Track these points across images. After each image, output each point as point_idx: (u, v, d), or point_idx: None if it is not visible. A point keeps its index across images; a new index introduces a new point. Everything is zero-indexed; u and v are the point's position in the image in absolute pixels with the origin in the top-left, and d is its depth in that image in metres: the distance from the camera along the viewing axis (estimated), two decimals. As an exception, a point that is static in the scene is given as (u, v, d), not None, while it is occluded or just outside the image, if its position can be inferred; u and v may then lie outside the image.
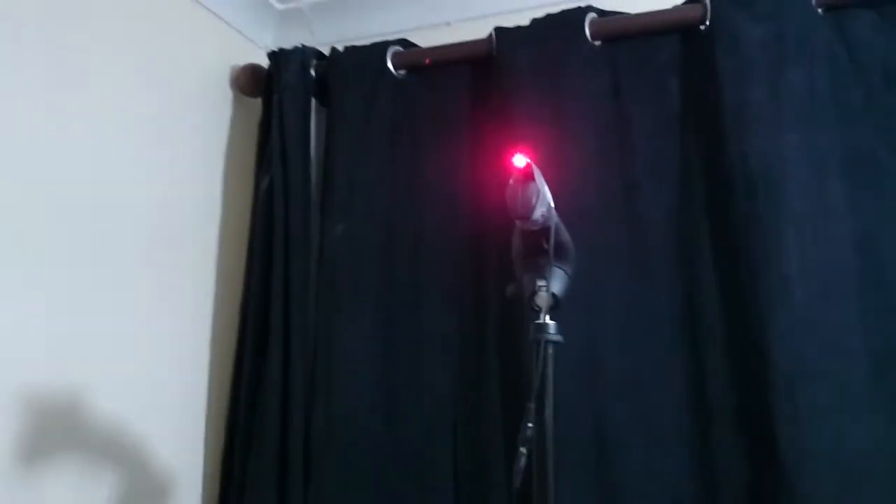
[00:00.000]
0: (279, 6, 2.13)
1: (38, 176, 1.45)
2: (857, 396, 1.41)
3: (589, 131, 1.67)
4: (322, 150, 1.91)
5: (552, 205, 0.95)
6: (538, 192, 0.89)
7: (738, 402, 1.48)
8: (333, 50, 1.95)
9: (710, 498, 1.48)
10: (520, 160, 0.88)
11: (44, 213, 1.46)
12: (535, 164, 0.90)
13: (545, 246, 0.94)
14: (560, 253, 0.98)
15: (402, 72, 1.89)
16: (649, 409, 1.53)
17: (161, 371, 1.74)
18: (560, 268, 0.98)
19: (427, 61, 1.78)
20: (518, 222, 0.92)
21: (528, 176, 0.89)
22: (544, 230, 0.95)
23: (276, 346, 1.75)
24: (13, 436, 1.37)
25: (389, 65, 1.87)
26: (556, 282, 0.97)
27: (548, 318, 0.97)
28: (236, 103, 2.05)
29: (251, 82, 2.01)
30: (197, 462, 1.86)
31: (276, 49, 1.97)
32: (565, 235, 1.00)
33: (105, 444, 1.58)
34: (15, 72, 1.42)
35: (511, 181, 0.90)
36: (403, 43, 1.92)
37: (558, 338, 0.97)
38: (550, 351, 0.95)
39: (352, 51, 1.91)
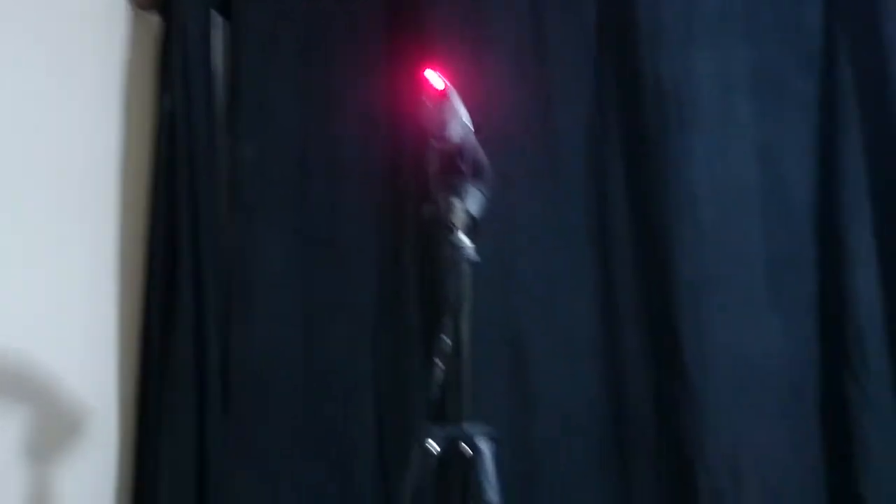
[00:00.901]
0: None
1: None
2: (755, 301, 1.50)
3: (506, 45, 1.65)
4: (227, 67, 1.81)
5: (468, 124, 0.94)
6: (453, 110, 0.88)
7: (646, 311, 1.55)
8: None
9: (620, 400, 1.56)
10: (434, 77, 0.86)
11: None
12: (450, 81, 0.88)
13: (461, 165, 0.93)
14: (476, 173, 0.98)
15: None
16: (562, 318, 1.59)
17: (66, 305, 1.66)
18: (477, 187, 0.98)
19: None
20: (433, 141, 0.91)
21: (442, 94, 0.87)
22: (460, 149, 0.94)
23: (185, 273, 1.70)
24: None
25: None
26: (472, 201, 0.97)
27: (463, 236, 0.98)
28: (135, 20, 1.90)
29: (151, -2, 1.87)
30: (110, 395, 1.80)
31: (174, -42, 1.82)
32: (481, 155, 1.00)
33: (11, 381, 1.52)
34: None
35: (426, 99, 0.88)
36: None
37: (474, 255, 0.97)
38: (466, 268, 0.96)
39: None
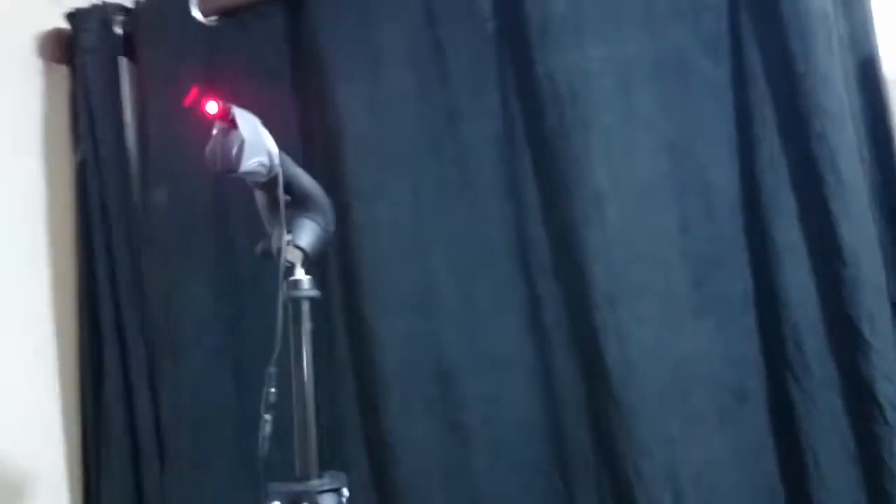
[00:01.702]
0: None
1: None
2: (678, 305, 1.41)
3: (405, 62, 1.58)
4: (135, 111, 1.78)
5: (274, 151, 0.87)
6: (241, 140, 0.80)
7: (570, 323, 1.47)
8: (137, 2, 1.80)
9: (552, 418, 1.48)
10: (212, 107, 0.79)
11: None
12: (244, 105, 0.81)
13: (276, 198, 0.86)
14: (303, 202, 0.90)
15: (212, 18, 1.76)
16: (489, 337, 1.51)
17: (5, 372, 1.63)
18: (308, 218, 0.91)
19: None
20: (228, 176, 0.84)
21: (228, 123, 0.80)
22: (273, 180, 0.87)
23: (108, 330, 1.67)
24: None
25: (195, 12, 1.73)
26: (303, 234, 0.90)
27: (300, 272, 0.90)
28: (48, 73, 1.89)
29: (56, 49, 1.86)
30: (58, 458, 1.78)
31: (73, 10, 1.81)
32: (306, 181, 0.93)
33: None
34: None
35: (213, 132, 0.82)
36: (211, -13, 1.77)
37: (314, 292, 0.90)
38: (306, 308, 0.89)
39: (152, 1, 1.76)
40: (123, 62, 1.81)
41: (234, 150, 0.81)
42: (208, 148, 0.84)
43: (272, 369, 0.84)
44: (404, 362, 1.53)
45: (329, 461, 1.51)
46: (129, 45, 1.80)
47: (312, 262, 0.94)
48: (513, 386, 1.49)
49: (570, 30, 1.43)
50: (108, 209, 1.68)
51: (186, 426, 1.66)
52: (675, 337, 1.39)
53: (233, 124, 0.82)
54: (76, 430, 1.79)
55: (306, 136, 1.65)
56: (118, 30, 1.79)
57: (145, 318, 1.71)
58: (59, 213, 1.84)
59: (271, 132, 1.61)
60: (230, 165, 0.81)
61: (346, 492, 0.92)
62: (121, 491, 1.66)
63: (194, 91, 0.81)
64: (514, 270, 1.51)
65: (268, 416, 0.84)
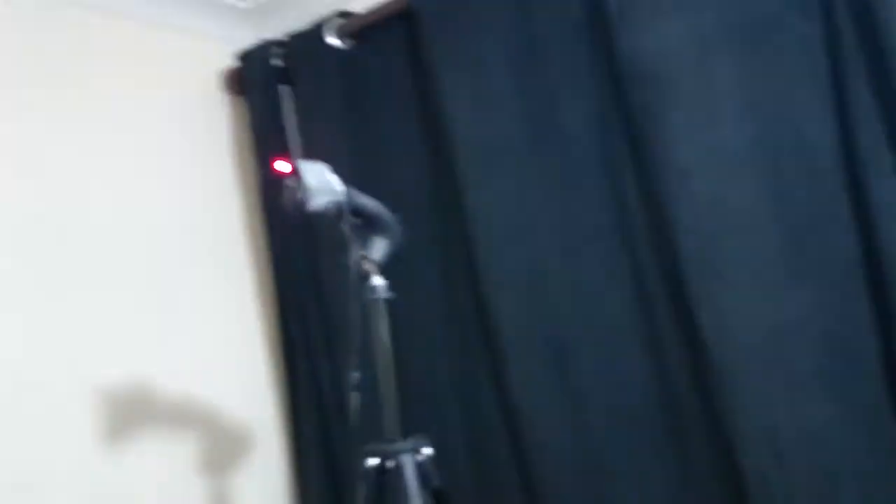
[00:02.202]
0: (243, 4, 2.30)
1: (105, 220, 1.82)
2: (773, 271, 1.42)
3: (504, 60, 1.72)
4: (298, 128, 2.11)
5: (339, 189, 1.10)
6: (306, 188, 1.04)
7: (669, 294, 1.53)
8: (290, 36, 2.12)
9: (660, 382, 1.57)
10: (282, 166, 1.03)
11: (105, 245, 1.81)
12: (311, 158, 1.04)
13: (345, 225, 1.09)
14: (372, 223, 1.13)
15: (346, 42, 2.02)
16: (597, 309, 1.63)
17: (220, 349, 2.06)
18: (377, 235, 1.13)
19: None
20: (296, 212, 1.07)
21: (294, 175, 1.04)
22: (338, 213, 1.10)
23: (294, 318, 2.04)
24: (101, 423, 1.73)
25: (329, 38, 2.01)
26: (375, 248, 1.13)
27: (375, 278, 1.13)
28: (232, 104, 2.29)
29: (234, 83, 2.25)
30: (268, 418, 2.20)
31: (242, 50, 2.17)
32: (373, 206, 1.14)
33: (182, 414, 1.95)
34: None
35: (282, 184, 1.06)
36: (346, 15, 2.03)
37: (388, 294, 1.13)
38: (382, 307, 1.12)
39: (298, 35, 2.07)
40: (286, 90, 2.13)
41: (302, 196, 1.04)
42: (284, 197, 1.08)
43: (354, 355, 1.08)
44: (522, 336, 1.68)
45: (468, 427, 1.77)
46: (287, 75, 2.12)
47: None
48: (623, 353, 1.60)
49: (648, 9, 1.47)
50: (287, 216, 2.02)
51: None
52: (771, 303, 1.42)
53: (299, 176, 1.05)
54: (281, 399, 2.21)
55: (426, 136, 1.85)
56: (277, 62, 2.12)
57: (323, 308, 2.02)
58: (252, 218, 2.24)
59: (395, 135, 1.88)
60: (301, 207, 1.05)
61: (427, 451, 1.14)
62: (312, 442, 2.02)
63: (273, 160, 1.05)
64: (616, 245, 1.60)
65: (354, 394, 1.08)
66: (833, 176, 1.39)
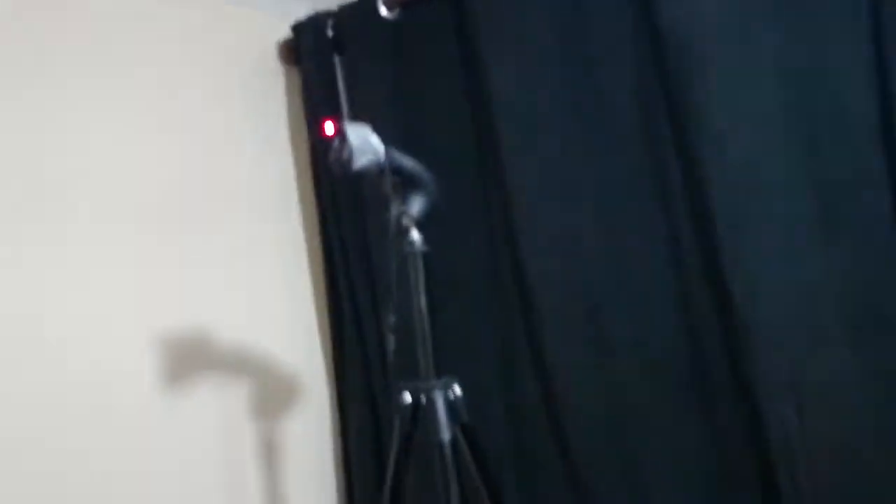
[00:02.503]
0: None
1: (172, 176, 1.94)
2: (805, 231, 1.47)
3: (547, 27, 1.78)
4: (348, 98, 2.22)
5: (381, 149, 1.21)
6: (351, 148, 1.15)
7: (702, 255, 1.59)
8: (342, 7, 2.22)
9: (690, 340, 1.64)
10: (329, 128, 1.15)
11: (169, 199, 1.93)
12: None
13: (386, 183, 1.21)
14: (410, 181, 1.24)
15: (395, 12, 2.12)
16: (632, 271, 1.70)
17: (272, 302, 2.19)
18: (415, 193, 1.24)
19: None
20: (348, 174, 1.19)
21: (340, 137, 1.15)
22: (380, 171, 1.21)
23: (341, 275, 2.17)
24: (160, 368, 1.87)
25: (382, 9, 2.10)
26: (413, 205, 1.24)
27: (414, 233, 1.25)
28: (287, 75, 2.41)
29: (289, 54, 2.37)
30: (317, 365, 2.35)
31: (296, 21, 2.29)
32: (411, 165, 1.25)
33: (236, 361, 2.10)
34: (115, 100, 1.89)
35: (327, 145, 1.17)
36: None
37: (424, 248, 1.24)
38: (419, 260, 1.23)
39: (349, 6, 2.17)
40: (337, 60, 2.25)
41: (347, 156, 1.16)
42: (330, 157, 1.20)
43: (392, 303, 1.20)
44: (559, 297, 1.76)
45: (501, 377, 1.87)
46: (339, 45, 2.23)
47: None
48: (654, 312, 1.67)
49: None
50: (335, 182, 2.15)
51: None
52: (800, 264, 1.47)
53: (345, 137, 1.16)
54: (328, 349, 2.36)
55: (469, 102, 1.94)
56: (330, 32, 2.23)
57: (368, 264, 2.13)
58: (303, 180, 2.38)
59: (440, 101, 1.96)
60: (346, 167, 1.16)
61: (457, 389, 1.26)
62: (356, 387, 2.16)
63: (322, 123, 1.16)
64: (652, 209, 1.66)
65: (391, 336, 1.20)
66: (868, 141, 1.42)
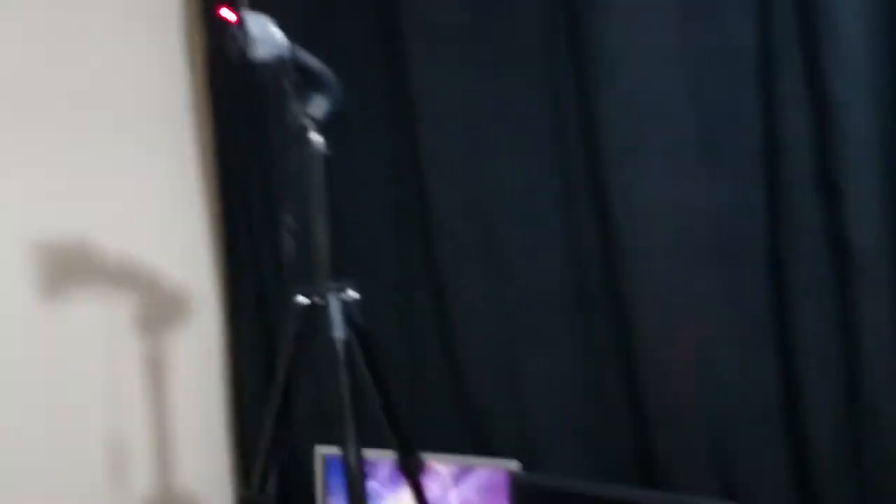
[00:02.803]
0: None
1: (47, 75, 1.80)
2: (685, 159, 1.56)
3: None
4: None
5: (283, 43, 1.16)
6: (251, 37, 1.11)
7: (591, 182, 1.66)
8: None
9: (574, 261, 1.73)
10: (228, 13, 1.09)
11: (46, 101, 1.80)
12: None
13: (285, 80, 1.17)
14: (313, 81, 1.20)
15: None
16: (524, 195, 1.75)
17: (159, 210, 2.10)
18: (317, 93, 1.21)
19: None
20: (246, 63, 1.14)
21: (239, 24, 1.10)
22: (280, 66, 1.17)
23: (235, 180, 2.10)
24: (41, 277, 1.78)
25: None
26: (315, 105, 1.21)
27: (313, 134, 1.22)
28: None
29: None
30: (205, 278, 2.30)
31: None
32: (314, 64, 1.22)
33: (122, 271, 2.02)
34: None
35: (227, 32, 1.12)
36: None
37: (325, 151, 1.22)
38: (319, 161, 1.21)
39: None
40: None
41: (246, 43, 1.11)
42: (227, 44, 1.14)
43: (289, 204, 1.18)
44: (457, 216, 1.81)
45: (399, 297, 1.90)
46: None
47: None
48: (545, 235, 1.74)
49: None
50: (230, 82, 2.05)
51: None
52: (680, 188, 1.56)
53: (244, 24, 1.11)
54: (219, 259, 2.30)
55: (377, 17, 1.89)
56: None
57: (264, 171, 2.06)
58: (197, 83, 2.25)
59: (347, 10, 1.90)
60: (244, 55, 1.12)
61: (353, 294, 1.27)
62: (251, 304, 2.14)
63: (219, 8, 1.11)
64: (549, 132, 1.71)
65: (289, 238, 1.19)
66: (748, 76, 1.51)
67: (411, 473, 1.31)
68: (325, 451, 1.87)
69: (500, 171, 1.77)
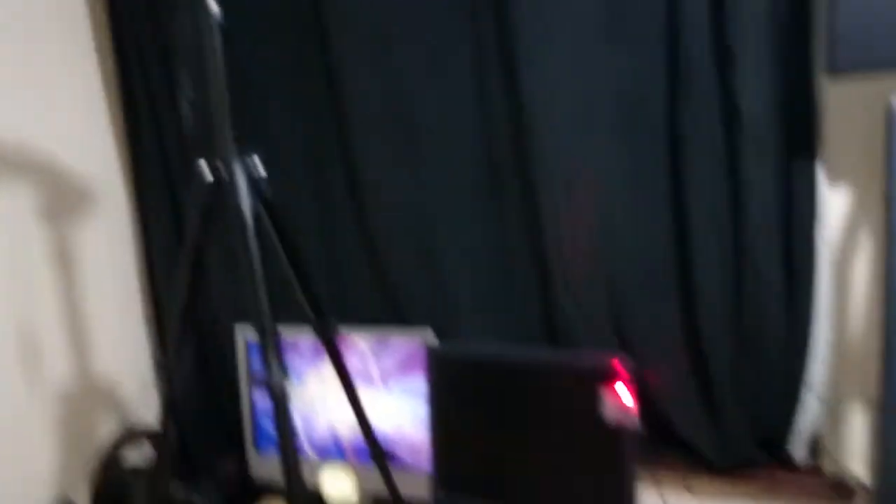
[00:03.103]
0: None
1: None
2: (592, 35, 1.59)
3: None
4: None
5: None
6: None
7: (502, 64, 1.68)
8: None
9: (488, 135, 1.75)
10: None
11: None
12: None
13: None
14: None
15: None
16: (439, 80, 1.75)
17: (58, 101, 2.00)
18: None
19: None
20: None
21: None
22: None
23: (136, 67, 2.00)
24: None
25: None
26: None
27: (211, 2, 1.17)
28: None
29: None
30: (113, 167, 2.23)
31: None
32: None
33: (21, 162, 1.93)
34: None
35: None
36: None
37: (220, 20, 1.18)
38: (216, 31, 1.17)
39: None
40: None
41: None
42: None
43: (186, 76, 1.14)
44: (376, 106, 1.80)
45: (314, 185, 1.89)
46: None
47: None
48: (456, 109, 1.75)
49: None
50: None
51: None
52: (585, 66, 1.59)
53: None
54: (123, 142, 2.22)
55: None
56: None
57: (166, 42, 1.95)
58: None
59: None
60: None
61: (259, 166, 1.26)
62: (159, 192, 2.09)
63: None
64: (460, 18, 1.70)
65: (186, 104, 1.16)
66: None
67: (326, 336, 1.36)
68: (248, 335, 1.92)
69: (416, 55, 1.75)
